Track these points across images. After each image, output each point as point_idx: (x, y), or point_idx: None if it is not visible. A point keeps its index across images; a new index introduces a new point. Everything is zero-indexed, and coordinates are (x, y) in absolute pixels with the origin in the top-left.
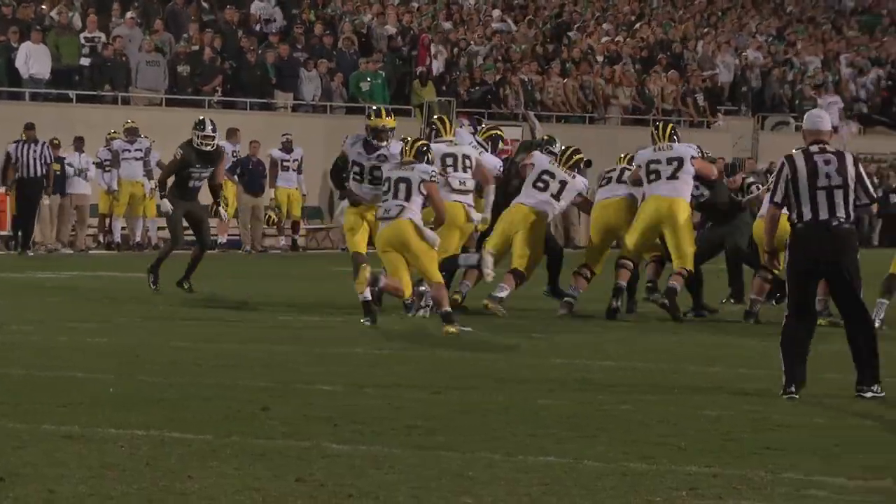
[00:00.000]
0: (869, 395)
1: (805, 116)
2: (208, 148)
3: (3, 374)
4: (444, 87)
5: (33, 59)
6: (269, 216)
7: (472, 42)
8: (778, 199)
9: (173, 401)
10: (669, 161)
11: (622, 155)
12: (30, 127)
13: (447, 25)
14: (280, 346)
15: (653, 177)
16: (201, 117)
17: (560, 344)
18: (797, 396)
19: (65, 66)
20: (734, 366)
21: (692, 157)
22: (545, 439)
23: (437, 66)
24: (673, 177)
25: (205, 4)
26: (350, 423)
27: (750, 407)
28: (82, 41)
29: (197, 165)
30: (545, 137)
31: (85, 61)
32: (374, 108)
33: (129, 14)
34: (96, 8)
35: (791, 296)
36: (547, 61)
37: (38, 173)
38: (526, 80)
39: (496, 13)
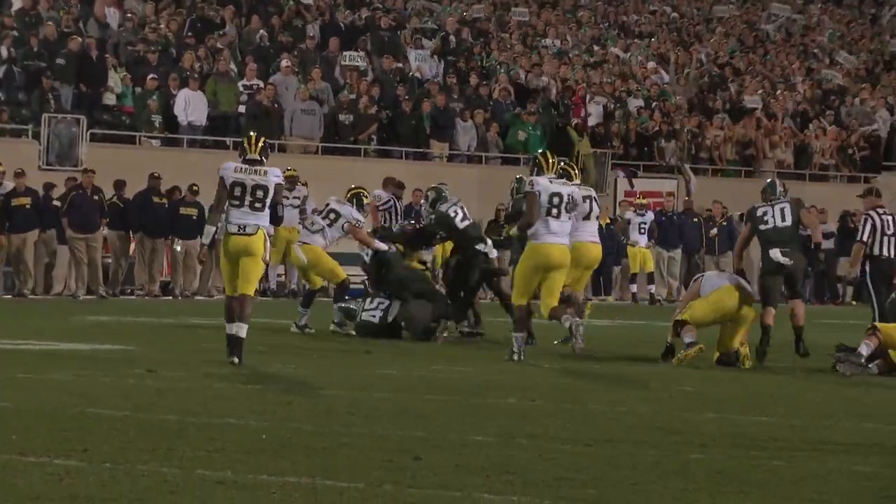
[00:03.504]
0: None
1: None
2: None
3: (158, 419)
4: (598, 139)
5: (191, 106)
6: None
7: (628, 94)
8: None
9: (326, 448)
10: None
11: None
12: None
13: (602, 78)
14: (433, 396)
15: None
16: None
17: (713, 397)
18: None
19: (221, 113)
20: (889, 422)
21: None
22: (696, 493)
23: (593, 118)
24: None
25: (362, 53)
26: (502, 473)
27: None
28: (240, 88)
29: None
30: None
31: (242, 108)
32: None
33: (284, 62)
34: (255, 56)
35: None
36: (704, 114)
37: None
38: (684, 132)
39: (651, 65)
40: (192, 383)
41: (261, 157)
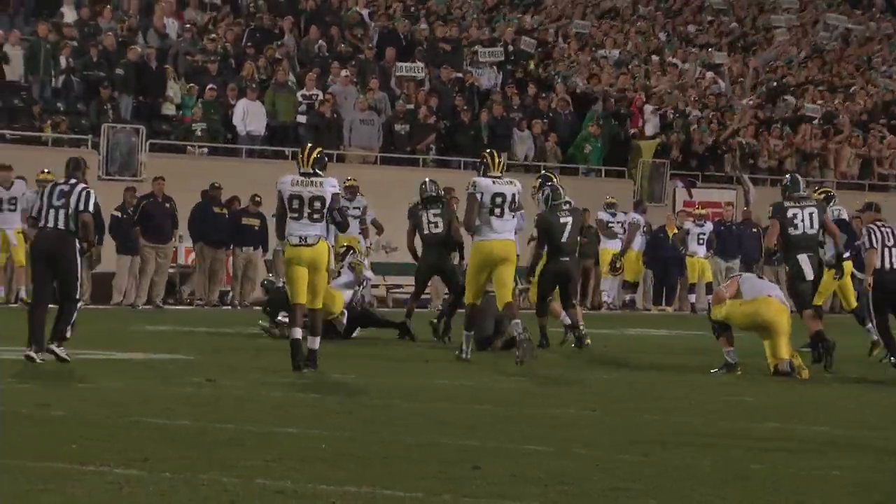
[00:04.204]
0: None
1: None
2: None
3: (217, 428)
4: (656, 150)
5: (250, 116)
6: None
7: (685, 104)
8: None
9: (384, 457)
10: None
11: None
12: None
13: (662, 87)
14: (490, 406)
15: None
16: None
17: (771, 407)
18: None
19: (280, 124)
20: None
21: None
22: (755, 503)
23: (652, 129)
24: None
25: (420, 64)
26: (558, 483)
27: None
28: (299, 98)
29: None
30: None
31: (301, 118)
32: None
33: (343, 72)
34: (314, 67)
35: None
36: (763, 124)
37: None
38: (743, 142)
39: (709, 75)
40: (250, 392)
41: (314, 169)
